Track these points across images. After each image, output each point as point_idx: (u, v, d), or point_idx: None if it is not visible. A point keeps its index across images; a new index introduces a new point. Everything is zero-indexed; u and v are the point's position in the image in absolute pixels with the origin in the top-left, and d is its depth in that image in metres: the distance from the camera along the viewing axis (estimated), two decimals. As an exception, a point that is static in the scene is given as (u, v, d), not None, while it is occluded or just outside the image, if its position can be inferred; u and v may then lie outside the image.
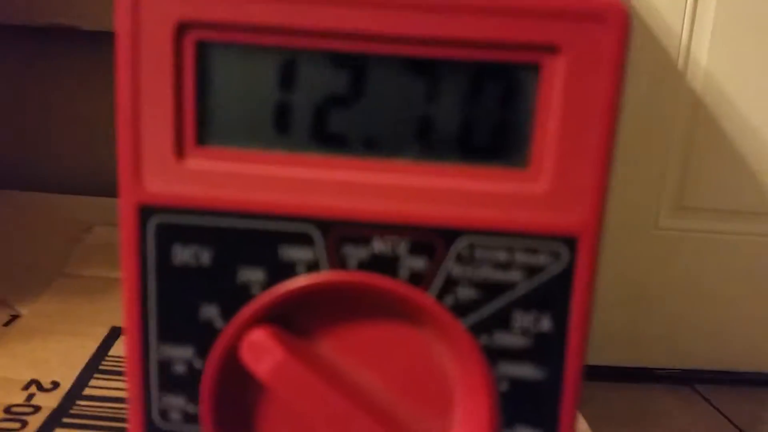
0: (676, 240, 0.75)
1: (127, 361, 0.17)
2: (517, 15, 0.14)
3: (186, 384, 0.16)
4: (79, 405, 0.27)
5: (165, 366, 0.16)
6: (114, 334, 0.33)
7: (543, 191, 0.15)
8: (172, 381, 0.16)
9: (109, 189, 0.45)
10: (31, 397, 0.28)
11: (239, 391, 0.17)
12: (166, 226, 0.16)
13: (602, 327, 0.74)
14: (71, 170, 0.47)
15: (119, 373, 0.30)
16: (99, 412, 0.27)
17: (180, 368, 0.16)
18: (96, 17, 0.42)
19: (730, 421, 0.69)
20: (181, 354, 0.16)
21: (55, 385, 0.29)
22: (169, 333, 0.16)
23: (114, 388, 0.29)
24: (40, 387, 0.29)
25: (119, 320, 0.34)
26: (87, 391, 0.28)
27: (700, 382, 0.76)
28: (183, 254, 0.16)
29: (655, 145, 0.72)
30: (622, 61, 0.14)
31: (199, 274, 0.16)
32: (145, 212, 0.16)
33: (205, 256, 0.16)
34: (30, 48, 0.46)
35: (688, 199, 0.74)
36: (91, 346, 0.32)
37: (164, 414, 0.17)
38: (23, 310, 0.34)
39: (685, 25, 0.70)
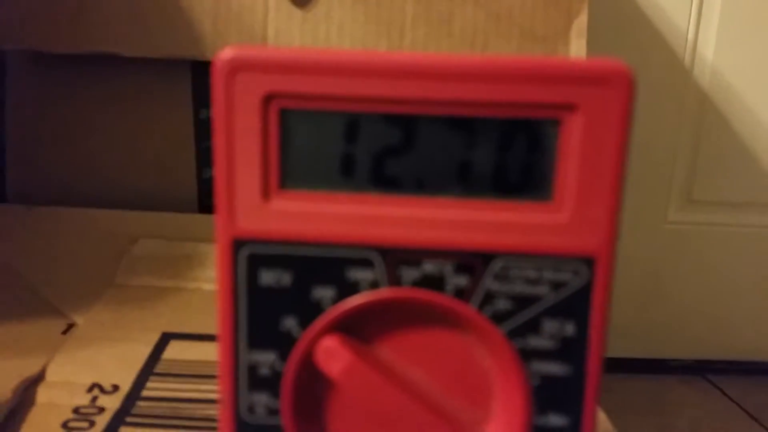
0: (686, 233, 0.75)
1: (220, 365, 0.19)
2: (540, 81, 0.17)
3: (270, 383, 0.19)
4: (139, 405, 0.29)
5: (253, 369, 0.19)
6: (164, 339, 0.35)
7: (565, 220, 0.18)
8: (258, 381, 0.19)
9: (151, 204, 0.47)
10: (95, 399, 0.29)
11: (314, 388, 0.19)
12: (254, 256, 0.18)
13: (615, 320, 0.74)
14: (116, 188, 0.48)
15: (173, 375, 0.32)
16: (158, 411, 0.29)
17: (265, 370, 0.19)
18: (136, 44, 0.44)
19: (742, 408, 0.69)
20: (266, 359, 0.19)
21: (115, 387, 0.30)
22: (257, 341, 0.19)
23: (169, 389, 0.31)
24: (102, 390, 0.30)
25: (168, 326, 0.36)
26: (145, 393, 0.30)
27: (712, 372, 0.76)
28: (268, 277, 0.18)
29: (663, 140, 0.72)
30: (629, 114, 0.17)
31: (280, 293, 0.18)
32: (238, 244, 0.18)
33: (286, 279, 0.18)
34: (73, 73, 0.47)
35: (697, 193, 0.74)
36: (145, 351, 0.34)
37: (251, 409, 0.19)
38: (78, 319, 0.36)
39: (691, 23, 0.69)
